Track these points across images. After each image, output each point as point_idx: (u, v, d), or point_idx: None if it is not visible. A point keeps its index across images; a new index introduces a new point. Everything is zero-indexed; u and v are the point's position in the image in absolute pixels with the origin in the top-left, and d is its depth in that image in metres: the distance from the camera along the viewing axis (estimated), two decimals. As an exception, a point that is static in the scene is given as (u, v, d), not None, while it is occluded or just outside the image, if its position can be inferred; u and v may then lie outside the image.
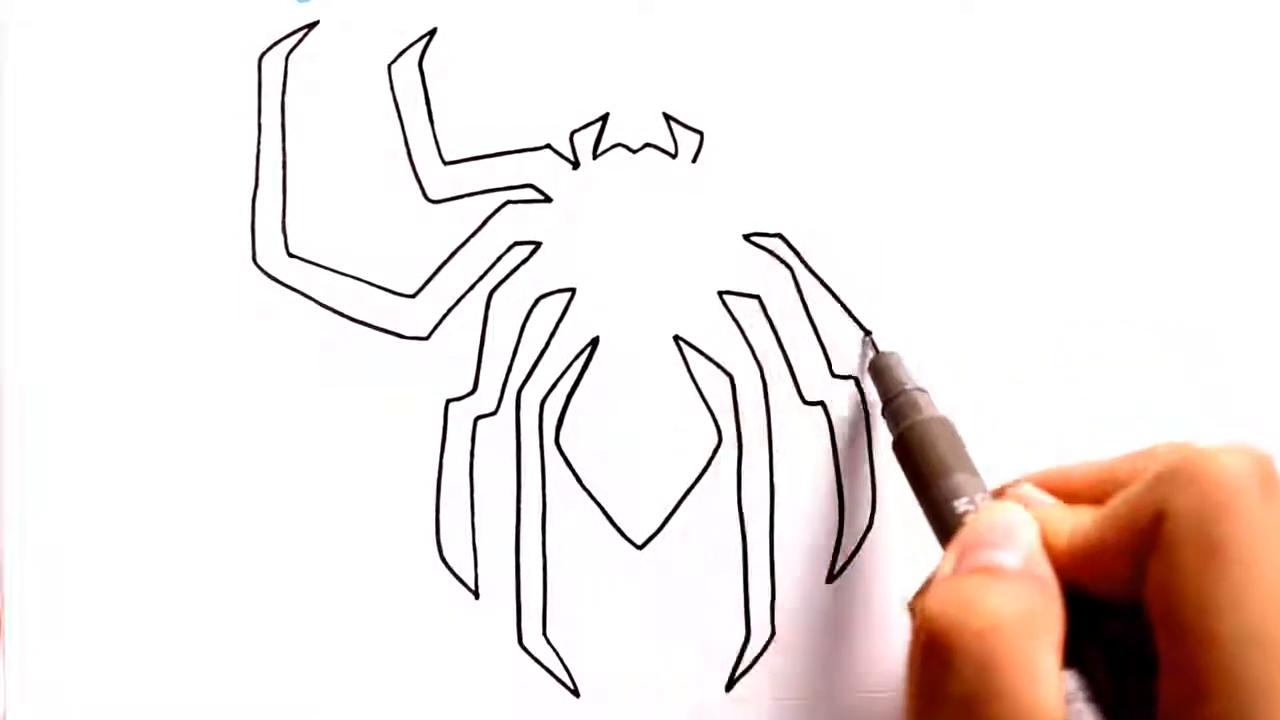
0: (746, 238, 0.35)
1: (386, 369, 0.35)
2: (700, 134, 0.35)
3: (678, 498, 0.35)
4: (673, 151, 0.35)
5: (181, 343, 0.35)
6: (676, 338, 0.35)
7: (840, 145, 0.35)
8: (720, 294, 0.35)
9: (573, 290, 0.35)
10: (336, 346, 0.35)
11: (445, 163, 0.35)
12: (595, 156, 0.35)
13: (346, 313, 0.35)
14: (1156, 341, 0.35)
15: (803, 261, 0.35)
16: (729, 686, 0.34)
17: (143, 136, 0.35)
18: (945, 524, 0.29)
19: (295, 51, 0.35)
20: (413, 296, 0.35)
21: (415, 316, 0.35)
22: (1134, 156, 0.36)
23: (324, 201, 0.35)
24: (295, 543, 0.34)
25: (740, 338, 0.35)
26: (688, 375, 0.35)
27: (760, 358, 0.35)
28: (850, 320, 0.35)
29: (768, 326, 0.35)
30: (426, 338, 0.35)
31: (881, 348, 0.34)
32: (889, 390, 0.33)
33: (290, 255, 0.35)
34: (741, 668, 0.34)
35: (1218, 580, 0.23)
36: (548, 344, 0.35)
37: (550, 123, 0.35)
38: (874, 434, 0.35)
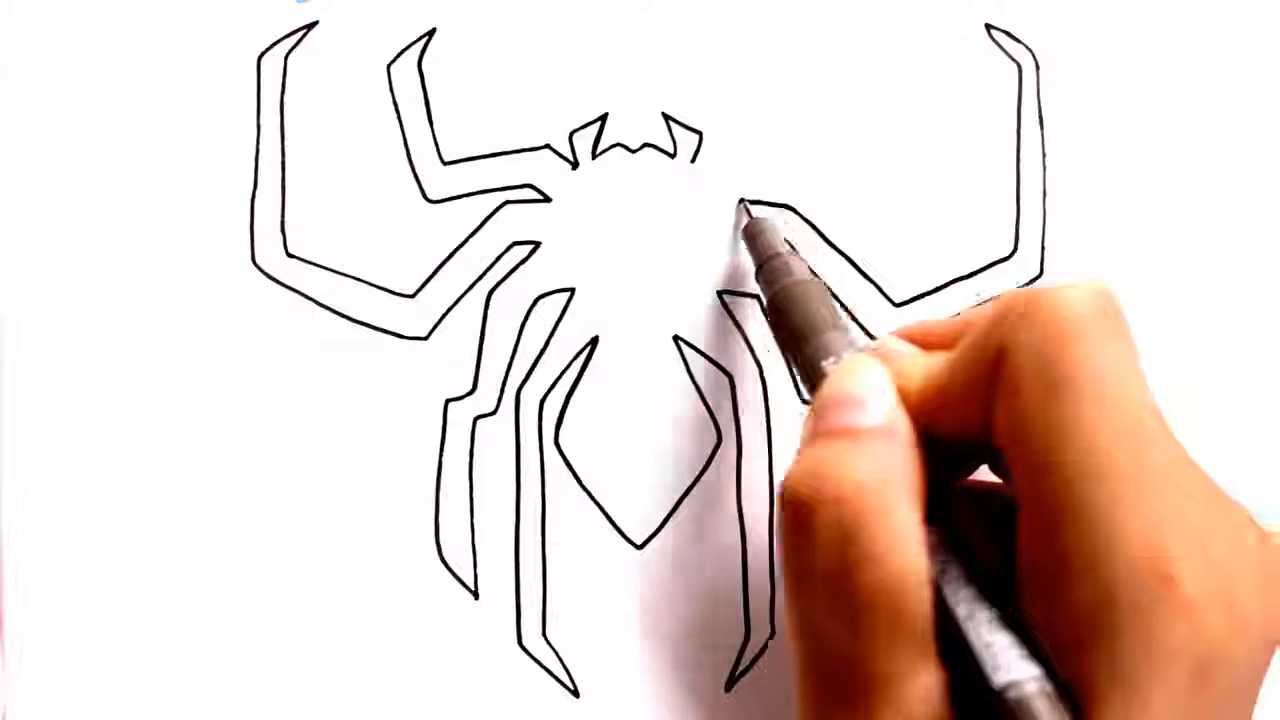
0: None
1: (386, 369, 0.35)
2: (699, 134, 0.35)
3: (678, 498, 0.35)
4: (672, 151, 0.35)
5: (181, 343, 0.34)
6: (676, 338, 0.35)
7: (840, 145, 0.35)
8: (720, 294, 0.35)
9: (572, 290, 0.35)
10: (336, 346, 0.35)
11: (444, 163, 0.35)
12: (594, 156, 0.35)
13: (346, 313, 0.35)
14: (1167, 333, 0.35)
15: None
16: (729, 686, 0.34)
17: (141, 136, 0.35)
18: (814, 385, 0.29)
19: (294, 52, 0.35)
20: (412, 296, 0.35)
21: (414, 316, 0.35)
22: (1124, 134, 0.36)
23: (323, 201, 0.35)
24: (295, 543, 0.34)
25: (740, 338, 0.35)
26: (688, 375, 0.35)
27: (760, 358, 0.35)
28: (850, 320, 0.35)
29: (768, 326, 0.35)
30: (426, 338, 0.35)
31: (755, 214, 0.34)
32: (761, 254, 0.33)
33: (289, 255, 0.35)
34: (741, 668, 0.34)
35: (1060, 414, 0.23)
36: (547, 344, 0.35)
37: (549, 123, 0.35)
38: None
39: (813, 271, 0.33)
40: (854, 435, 0.25)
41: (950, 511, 0.25)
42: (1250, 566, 0.23)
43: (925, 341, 0.28)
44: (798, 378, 0.30)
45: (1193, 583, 0.22)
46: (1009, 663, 0.23)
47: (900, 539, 0.24)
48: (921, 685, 0.23)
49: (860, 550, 0.24)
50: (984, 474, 0.28)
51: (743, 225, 0.34)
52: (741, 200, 0.34)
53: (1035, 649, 0.23)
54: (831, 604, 0.24)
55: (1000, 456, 0.25)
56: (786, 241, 0.33)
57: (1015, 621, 0.24)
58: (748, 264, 0.34)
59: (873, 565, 0.23)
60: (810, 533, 0.24)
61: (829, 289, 0.31)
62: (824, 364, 0.29)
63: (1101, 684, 0.22)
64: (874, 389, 0.26)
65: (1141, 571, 0.22)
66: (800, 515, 0.24)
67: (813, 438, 0.26)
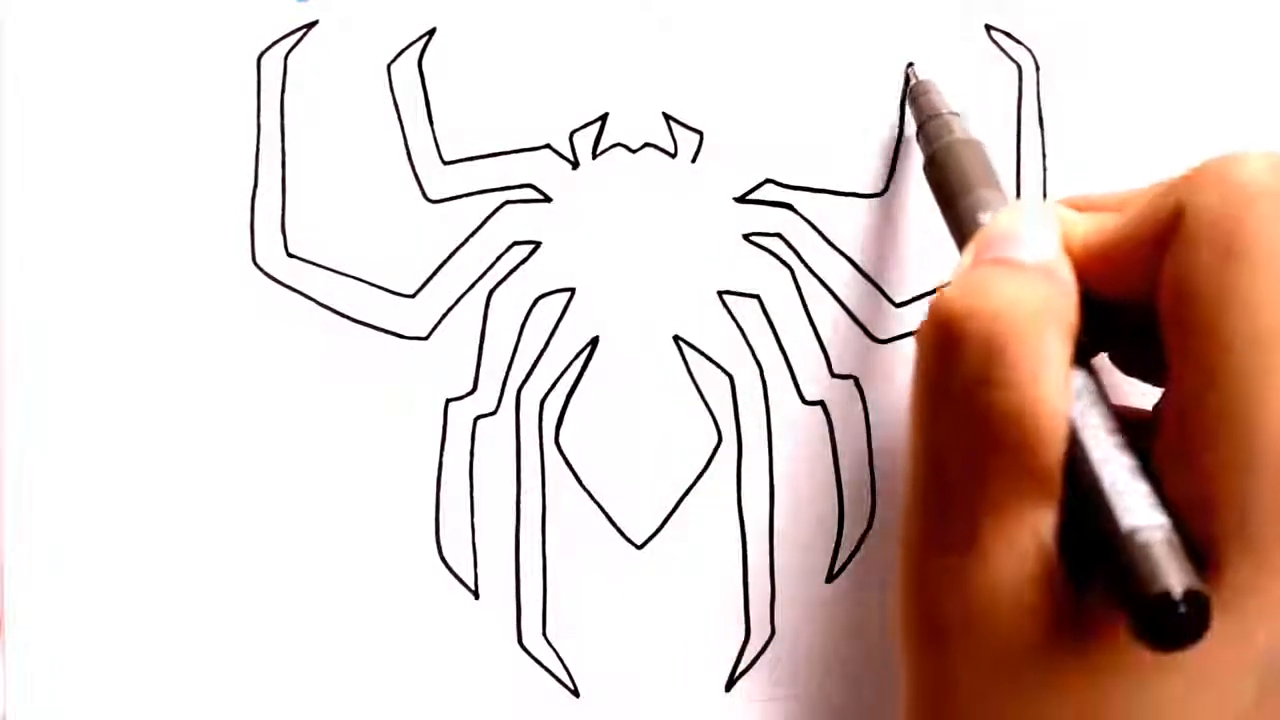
0: (746, 238, 0.35)
1: (386, 369, 0.35)
2: (700, 134, 0.35)
3: (678, 498, 0.35)
4: (672, 151, 0.35)
5: (181, 343, 0.34)
6: (676, 338, 0.35)
7: (840, 146, 0.35)
8: (720, 294, 0.35)
9: (572, 290, 0.35)
10: (336, 346, 0.35)
11: (444, 162, 0.35)
12: (595, 156, 0.35)
13: (346, 313, 0.35)
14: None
15: (803, 261, 0.35)
16: (729, 686, 0.35)
17: (141, 136, 0.35)
18: (968, 235, 0.29)
19: (294, 51, 0.35)
20: (412, 296, 0.35)
21: (415, 316, 0.35)
22: (1124, 134, 0.36)
23: (323, 201, 0.35)
24: (295, 543, 0.34)
25: (740, 338, 0.35)
26: (688, 375, 0.35)
27: (760, 358, 0.35)
28: (850, 320, 0.35)
29: (768, 326, 0.35)
30: (426, 337, 0.35)
31: (922, 77, 0.35)
32: (923, 113, 0.33)
33: (289, 255, 0.35)
34: (741, 668, 0.35)
35: (1232, 279, 0.23)
36: (547, 344, 0.35)
37: (550, 123, 0.35)
38: (874, 434, 0.35)
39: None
40: (1015, 266, 0.25)
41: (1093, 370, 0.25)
42: None
43: (1089, 208, 0.28)
44: (951, 235, 0.30)
45: None
46: (1139, 509, 0.23)
47: (1048, 368, 0.23)
48: (1038, 519, 0.23)
49: (1006, 371, 0.23)
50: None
51: (910, 86, 0.35)
52: (910, 64, 0.35)
53: (1167, 503, 0.23)
54: (965, 422, 0.24)
55: (1147, 331, 0.25)
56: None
57: (1149, 475, 0.24)
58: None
59: (1016, 388, 0.23)
60: (956, 345, 0.24)
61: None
62: (980, 216, 0.29)
63: (1228, 545, 0.23)
64: (1040, 230, 0.26)
65: None
66: (949, 326, 0.24)
67: (973, 266, 0.26)
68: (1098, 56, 0.36)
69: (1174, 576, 0.22)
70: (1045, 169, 0.36)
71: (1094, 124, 0.36)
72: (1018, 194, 0.35)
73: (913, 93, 0.34)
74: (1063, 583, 0.24)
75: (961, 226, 0.30)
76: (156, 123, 0.35)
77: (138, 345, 0.34)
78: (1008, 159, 0.35)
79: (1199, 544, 0.23)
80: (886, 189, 0.35)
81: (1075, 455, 0.24)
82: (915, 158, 0.35)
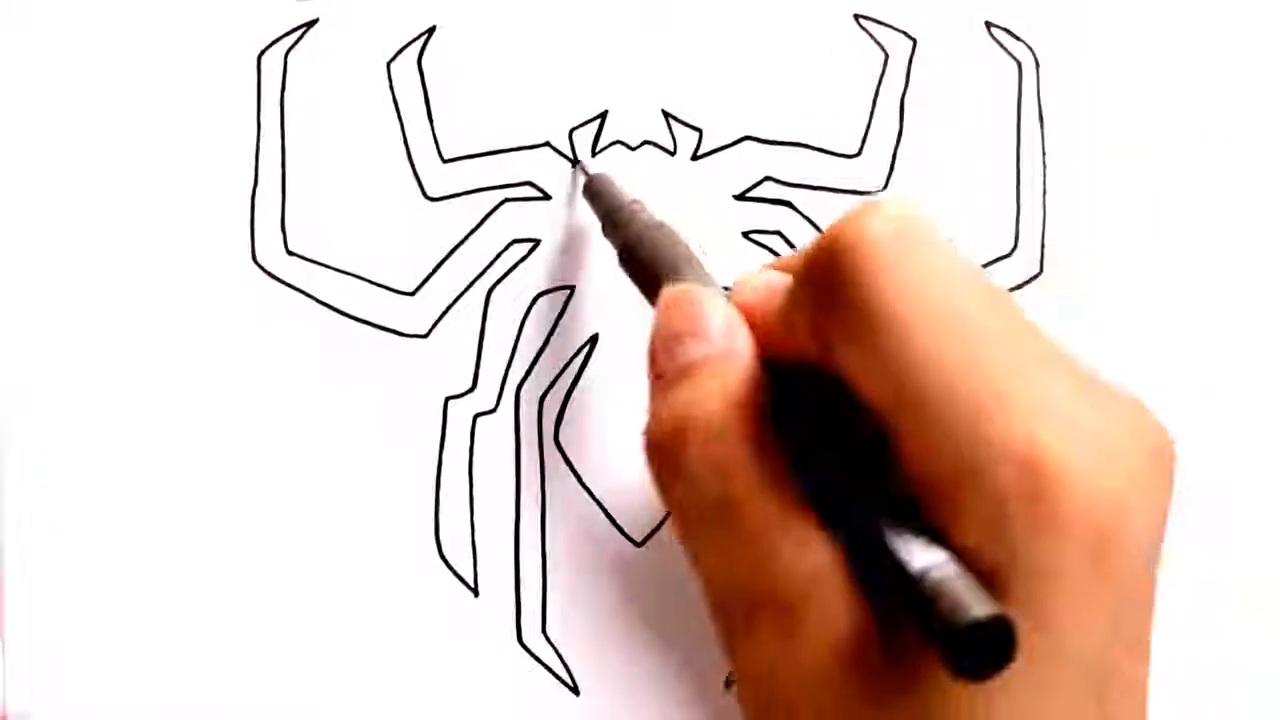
0: (746, 235, 0.35)
1: (385, 367, 0.35)
2: (699, 131, 0.35)
3: (677, 495, 0.35)
4: (672, 149, 0.35)
5: (180, 341, 0.34)
6: (676, 335, 0.35)
7: (841, 143, 0.35)
8: (720, 292, 0.35)
9: (572, 288, 0.35)
10: (335, 344, 0.35)
11: (444, 160, 0.35)
12: (594, 154, 0.35)
13: (345, 310, 0.35)
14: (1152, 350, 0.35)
15: (802, 259, 0.35)
16: (729, 686, 0.34)
17: (141, 135, 0.35)
18: None
19: (294, 49, 0.35)
20: (412, 294, 0.35)
21: (414, 314, 0.35)
22: (1124, 133, 0.36)
23: (323, 199, 0.35)
24: (294, 541, 0.34)
25: (740, 335, 0.35)
26: (687, 373, 0.35)
27: (760, 355, 0.35)
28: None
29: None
30: (425, 335, 0.35)
31: (594, 170, 0.34)
32: (605, 206, 0.33)
33: (289, 253, 0.35)
34: (741, 666, 0.34)
35: (886, 348, 0.23)
36: (547, 341, 0.35)
37: (549, 120, 0.35)
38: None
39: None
40: (690, 372, 0.25)
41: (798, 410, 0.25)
42: (1130, 442, 0.23)
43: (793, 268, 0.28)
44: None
45: (1076, 467, 0.22)
46: (920, 550, 0.23)
47: (771, 461, 0.24)
48: (838, 592, 0.24)
49: (739, 485, 0.24)
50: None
51: (581, 185, 0.34)
52: (576, 162, 0.34)
53: (933, 538, 0.23)
54: (724, 538, 0.24)
55: None
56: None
57: (907, 511, 0.24)
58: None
59: (755, 497, 0.24)
60: (676, 476, 0.25)
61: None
62: None
63: (1004, 574, 0.22)
64: (705, 314, 0.26)
65: (1020, 466, 0.22)
66: (668, 467, 0.25)
67: (656, 382, 0.26)
68: (1098, 55, 0.36)
69: (976, 606, 0.22)
70: (1045, 167, 0.36)
71: (1094, 122, 0.36)
72: (1017, 192, 0.35)
73: (589, 189, 0.34)
74: (871, 638, 0.24)
75: None
76: (157, 122, 0.35)
77: (137, 343, 0.34)
78: (1008, 157, 0.36)
79: (979, 573, 0.23)
80: (886, 186, 0.35)
81: (839, 518, 0.24)
82: (915, 157, 0.35)
